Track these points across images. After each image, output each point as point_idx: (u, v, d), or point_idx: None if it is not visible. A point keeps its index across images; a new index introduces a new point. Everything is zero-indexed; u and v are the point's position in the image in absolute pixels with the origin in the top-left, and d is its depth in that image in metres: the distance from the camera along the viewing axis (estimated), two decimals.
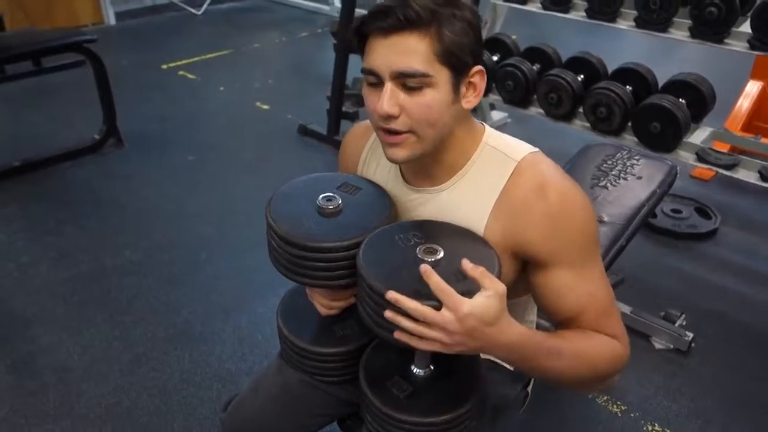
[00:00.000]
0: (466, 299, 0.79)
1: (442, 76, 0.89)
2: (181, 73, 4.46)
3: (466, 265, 0.81)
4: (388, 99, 0.89)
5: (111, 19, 5.46)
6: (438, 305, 0.80)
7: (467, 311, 0.79)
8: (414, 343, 0.83)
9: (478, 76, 0.95)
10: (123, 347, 2.06)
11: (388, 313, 0.82)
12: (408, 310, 0.80)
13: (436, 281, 0.79)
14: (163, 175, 3.14)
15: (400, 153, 0.95)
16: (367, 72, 0.92)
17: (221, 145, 3.47)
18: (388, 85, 0.90)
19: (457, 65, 0.90)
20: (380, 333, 0.88)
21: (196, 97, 4.11)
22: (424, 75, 0.88)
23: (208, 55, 4.80)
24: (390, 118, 0.91)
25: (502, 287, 0.81)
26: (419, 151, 0.95)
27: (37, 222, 2.72)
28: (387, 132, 0.94)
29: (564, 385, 0.98)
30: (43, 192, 2.96)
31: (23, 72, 3.38)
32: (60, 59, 3.32)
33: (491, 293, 0.80)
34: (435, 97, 0.90)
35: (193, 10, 5.79)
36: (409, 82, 0.89)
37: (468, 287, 0.81)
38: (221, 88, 4.23)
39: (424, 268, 0.80)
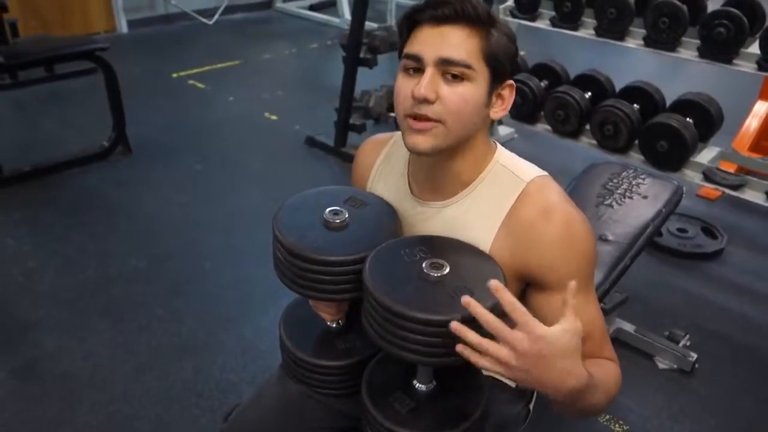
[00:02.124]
0: (540, 323, 0.76)
1: (482, 74, 0.92)
2: (191, 82, 4.50)
3: (570, 288, 0.78)
4: (427, 82, 0.91)
5: (123, 27, 5.52)
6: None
7: (541, 334, 0.75)
8: (475, 359, 0.78)
9: (508, 90, 0.98)
10: (126, 355, 2.07)
11: (455, 324, 0.77)
12: (483, 320, 0.76)
13: (509, 299, 0.76)
14: (170, 183, 3.16)
15: (425, 142, 0.94)
16: (410, 57, 0.93)
17: (229, 154, 3.49)
18: (430, 70, 0.91)
19: (498, 69, 0.94)
20: (384, 346, 0.88)
21: (206, 107, 4.14)
22: (467, 66, 0.91)
23: (219, 65, 4.84)
24: (425, 102, 0.91)
25: (580, 326, 0.78)
26: (442, 144, 0.95)
27: (44, 227, 2.74)
28: (415, 118, 0.93)
29: (585, 414, 0.94)
30: (51, 198, 2.98)
31: (35, 78, 3.42)
32: (72, 66, 3.36)
33: (569, 327, 0.77)
34: (472, 92, 0.92)
35: (204, 20, 5.85)
36: (452, 69, 0.91)
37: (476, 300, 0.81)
38: (231, 98, 4.26)
39: (494, 283, 0.76)
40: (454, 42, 0.91)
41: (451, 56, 0.90)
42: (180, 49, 5.24)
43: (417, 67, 0.93)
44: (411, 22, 0.95)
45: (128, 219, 2.83)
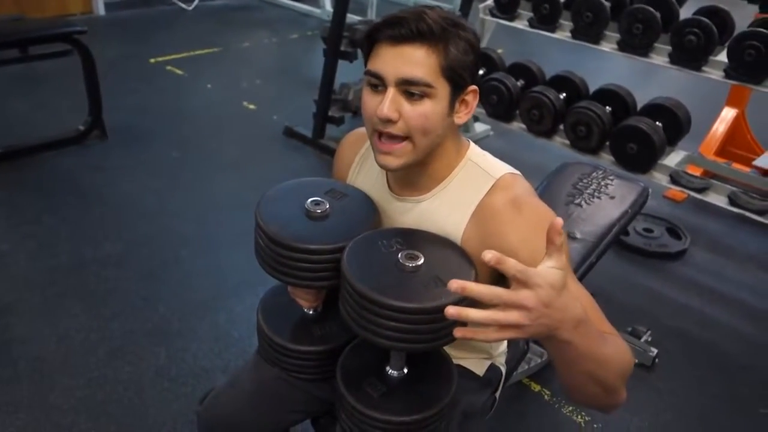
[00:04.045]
0: (535, 270, 0.74)
1: (442, 89, 0.95)
2: (169, 68, 4.46)
3: (557, 223, 0.75)
4: (389, 104, 0.94)
5: (100, 10, 5.44)
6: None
7: (539, 280, 0.73)
8: (482, 336, 0.75)
9: (471, 95, 1.01)
10: (99, 340, 2.07)
11: (451, 309, 0.71)
12: (480, 296, 0.72)
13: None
14: (145, 169, 3.14)
15: (394, 161, 0.99)
16: (372, 74, 0.96)
17: (206, 142, 3.48)
18: (391, 90, 0.95)
19: (457, 82, 0.97)
20: (360, 332, 0.92)
21: (183, 93, 4.11)
22: (427, 85, 0.94)
23: (197, 52, 4.80)
24: (389, 122, 0.95)
25: (565, 258, 0.77)
26: (411, 160, 1.00)
27: (16, 210, 2.71)
28: (381, 137, 0.98)
29: (604, 384, 0.90)
30: (25, 181, 2.95)
31: (8, 59, 3.35)
32: (47, 47, 3.30)
33: (554, 264, 0.75)
34: (433, 108, 0.96)
35: (183, 5, 5.79)
36: (412, 89, 0.94)
37: (447, 294, 0.84)
38: (208, 86, 4.24)
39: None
40: (412, 61, 0.93)
41: (411, 76, 0.93)
42: (158, 34, 5.18)
43: (378, 84, 0.97)
44: (371, 40, 0.97)
45: (103, 204, 2.82)
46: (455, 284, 0.71)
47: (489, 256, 0.71)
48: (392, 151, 0.98)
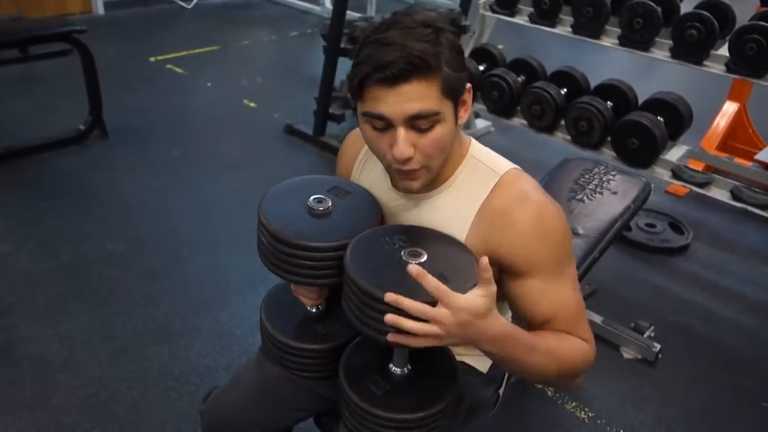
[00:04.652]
0: (460, 295, 0.84)
1: (448, 109, 0.94)
2: (168, 66, 4.46)
3: (483, 262, 0.85)
4: (404, 144, 0.93)
5: (100, 9, 5.43)
6: (430, 302, 0.84)
7: (462, 306, 0.83)
8: (408, 341, 0.86)
9: (467, 94, 1.00)
10: (102, 339, 2.07)
11: (390, 317, 0.84)
12: (408, 309, 0.83)
13: (430, 281, 0.83)
14: (146, 168, 3.14)
15: (417, 184, 1.01)
16: (375, 117, 0.93)
17: (206, 141, 3.48)
18: (401, 130, 0.93)
19: (457, 95, 0.96)
20: (364, 330, 0.92)
21: (183, 92, 4.11)
22: (437, 114, 0.92)
23: (197, 50, 4.80)
24: (407, 160, 0.95)
25: (494, 288, 0.86)
26: (430, 178, 1.02)
27: (17, 211, 2.71)
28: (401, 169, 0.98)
29: (535, 380, 1.05)
30: (25, 181, 2.94)
31: (8, 59, 3.35)
32: (47, 47, 3.30)
33: (484, 293, 0.85)
34: (444, 131, 0.95)
35: (183, 4, 5.78)
36: (422, 124, 0.92)
37: (452, 288, 0.85)
38: (209, 84, 4.23)
39: (415, 270, 0.83)
40: (415, 97, 0.89)
41: (419, 111, 0.90)
42: (158, 33, 5.18)
43: (382, 126, 0.94)
44: (360, 83, 0.91)
45: (104, 204, 2.82)
46: (389, 297, 0.83)
47: (410, 268, 0.83)
48: (413, 176, 0.99)
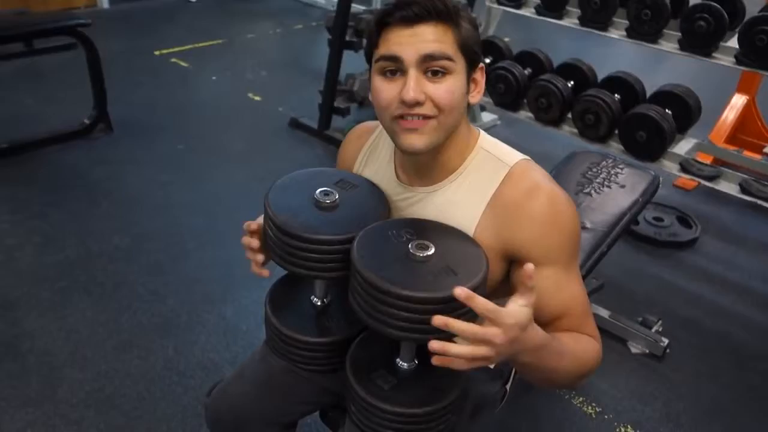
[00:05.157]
0: (507, 312, 0.80)
1: (460, 65, 0.95)
2: (173, 60, 4.45)
3: (528, 269, 0.81)
4: (415, 85, 0.92)
5: (104, 3, 5.42)
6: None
7: (513, 322, 0.80)
8: (457, 365, 0.82)
9: (480, 73, 1.01)
10: (108, 334, 2.07)
11: (436, 344, 0.79)
12: (459, 332, 0.79)
13: (479, 302, 0.78)
14: (152, 162, 3.14)
15: (420, 140, 0.96)
16: (388, 58, 0.94)
17: (211, 134, 3.47)
18: (413, 72, 0.93)
19: (472, 57, 0.97)
20: (370, 323, 0.91)
21: (188, 86, 4.10)
22: (449, 58, 0.93)
23: (202, 44, 4.79)
24: (416, 104, 0.93)
25: (534, 297, 0.83)
26: (436, 139, 0.97)
27: (23, 205, 2.71)
28: (406, 119, 0.95)
29: (557, 385, 1.01)
30: (30, 175, 2.94)
31: (13, 53, 3.35)
32: (51, 41, 3.29)
33: (526, 302, 0.82)
34: (456, 84, 0.95)
35: None
36: (434, 66, 0.93)
37: (458, 282, 0.84)
38: (213, 78, 4.22)
39: (464, 293, 0.78)
40: (430, 38, 0.92)
41: (433, 51, 0.92)
42: (162, 26, 5.16)
43: (395, 69, 0.94)
44: (381, 25, 0.95)
45: (109, 198, 2.81)
46: (437, 320, 0.79)
47: (458, 291, 0.78)
48: (420, 128, 0.95)
